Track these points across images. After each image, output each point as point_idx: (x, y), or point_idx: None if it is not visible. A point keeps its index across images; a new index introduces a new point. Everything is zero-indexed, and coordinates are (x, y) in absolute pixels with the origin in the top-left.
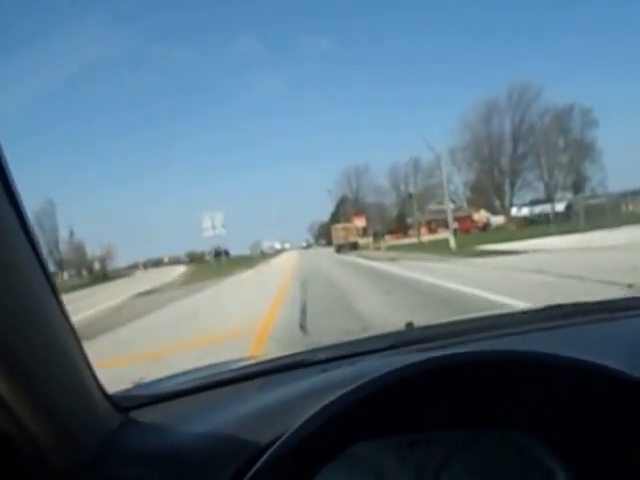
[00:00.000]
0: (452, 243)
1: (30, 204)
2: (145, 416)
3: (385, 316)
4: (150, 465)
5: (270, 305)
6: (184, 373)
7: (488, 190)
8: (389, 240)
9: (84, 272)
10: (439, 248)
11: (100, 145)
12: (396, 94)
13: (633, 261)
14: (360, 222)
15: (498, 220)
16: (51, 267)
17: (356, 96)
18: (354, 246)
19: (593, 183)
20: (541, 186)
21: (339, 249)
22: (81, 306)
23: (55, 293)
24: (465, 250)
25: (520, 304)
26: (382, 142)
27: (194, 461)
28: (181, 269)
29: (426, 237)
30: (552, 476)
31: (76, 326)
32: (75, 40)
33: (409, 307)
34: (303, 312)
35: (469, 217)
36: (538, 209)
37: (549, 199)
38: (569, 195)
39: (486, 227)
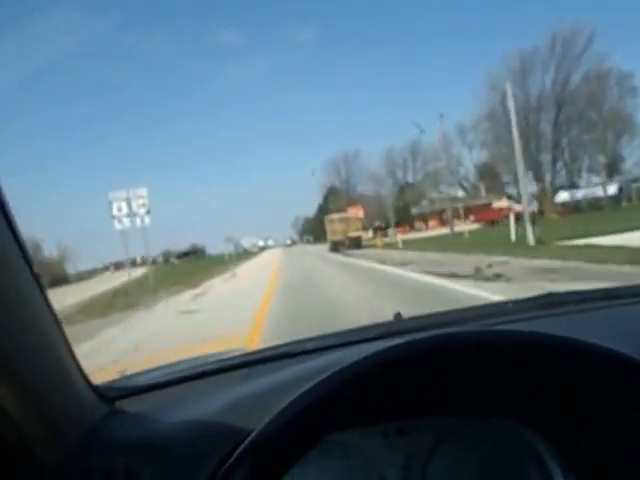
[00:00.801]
0: (530, 236)
1: None
2: (131, 406)
3: None
4: (136, 455)
5: None
6: (170, 364)
7: (503, 174)
8: (398, 235)
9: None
10: (499, 245)
11: (66, 138)
12: (386, 74)
13: None
14: (358, 212)
15: (518, 208)
16: None
17: (342, 79)
18: (356, 243)
19: (628, 164)
20: (569, 169)
21: (335, 247)
22: None
23: (39, 286)
24: (562, 248)
25: None
26: (374, 125)
27: (180, 450)
28: (118, 280)
29: (436, 230)
30: (543, 464)
31: None
32: (47, 28)
33: None
34: None
35: (489, 206)
36: (580, 193)
37: (572, 184)
38: (595, 179)
39: (518, 217)
